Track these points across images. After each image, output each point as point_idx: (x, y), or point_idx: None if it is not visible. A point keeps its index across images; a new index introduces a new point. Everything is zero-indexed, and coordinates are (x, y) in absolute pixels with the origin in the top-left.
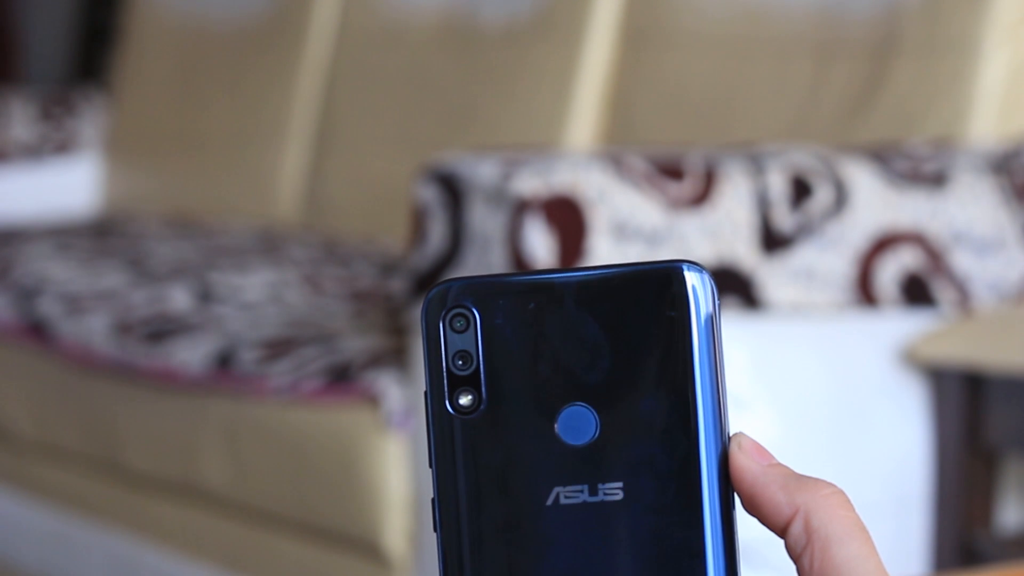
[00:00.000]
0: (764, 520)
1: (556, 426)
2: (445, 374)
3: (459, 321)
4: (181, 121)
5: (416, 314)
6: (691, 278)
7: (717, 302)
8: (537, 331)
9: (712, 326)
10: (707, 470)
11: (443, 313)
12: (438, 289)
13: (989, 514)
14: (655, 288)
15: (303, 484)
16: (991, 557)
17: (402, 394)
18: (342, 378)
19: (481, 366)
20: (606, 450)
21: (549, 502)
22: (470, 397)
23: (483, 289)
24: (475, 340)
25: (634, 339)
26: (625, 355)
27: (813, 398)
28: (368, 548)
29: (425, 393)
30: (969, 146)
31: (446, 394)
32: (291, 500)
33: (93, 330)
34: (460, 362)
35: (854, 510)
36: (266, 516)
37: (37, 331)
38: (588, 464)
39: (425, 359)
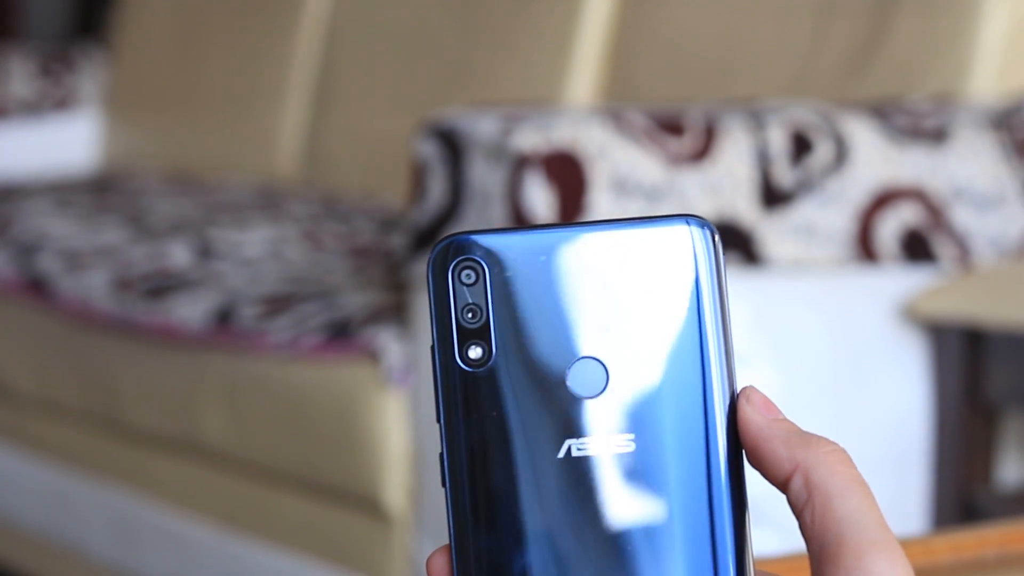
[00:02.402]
0: (766, 474)
1: (566, 379)
2: (454, 327)
3: (468, 274)
4: (181, 77)
5: (416, 270)
6: (697, 232)
7: (722, 257)
8: (546, 284)
9: (718, 280)
10: (714, 423)
11: (451, 266)
12: (444, 242)
13: (989, 470)
14: (663, 241)
15: (303, 440)
16: (991, 513)
17: (402, 350)
18: (342, 334)
19: (491, 319)
20: (617, 403)
21: (560, 455)
22: (479, 350)
23: (491, 242)
24: (484, 293)
25: (643, 292)
26: (634, 308)
27: (813, 354)
28: (368, 504)
29: (432, 347)
30: (970, 102)
31: (455, 348)
32: (291, 456)
33: (93, 286)
34: (469, 315)
35: (855, 467)
36: (266, 472)
37: (37, 287)
38: (599, 416)
39: (432, 312)
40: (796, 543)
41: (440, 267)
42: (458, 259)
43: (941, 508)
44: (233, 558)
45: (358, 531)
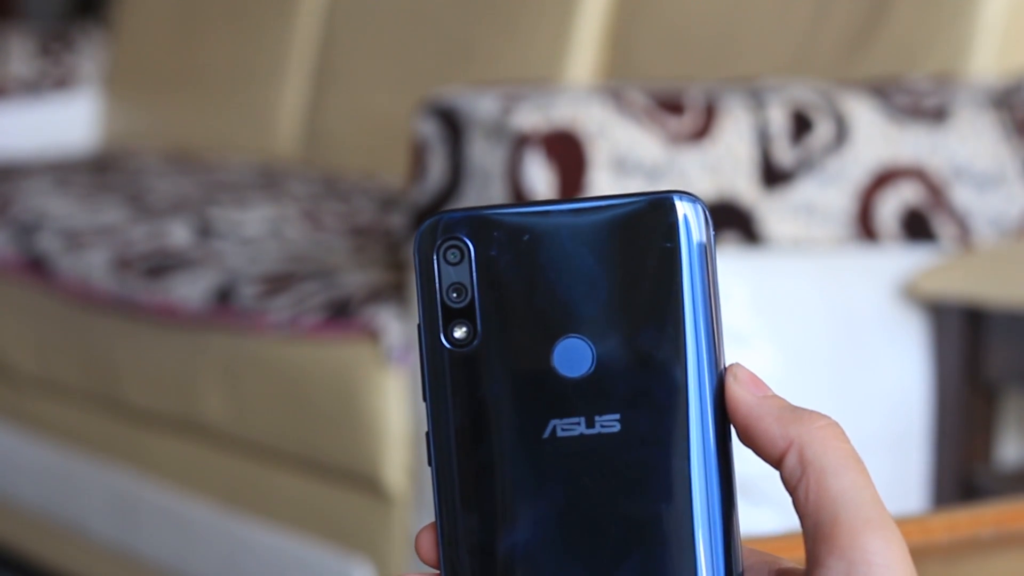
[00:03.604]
0: (759, 452)
1: (552, 358)
2: (439, 307)
3: (453, 253)
4: (181, 56)
5: None
6: (684, 207)
7: (712, 232)
8: (532, 263)
9: (706, 256)
10: (699, 401)
11: (437, 245)
12: (430, 221)
13: (989, 449)
14: (649, 218)
15: (303, 419)
16: (991, 492)
17: (402, 329)
18: (342, 313)
19: (476, 298)
20: (603, 382)
21: (546, 435)
22: (464, 330)
23: (476, 221)
24: (469, 272)
25: (629, 270)
26: (620, 286)
27: (813, 333)
28: (368, 483)
29: (418, 326)
30: (970, 81)
31: (440, 327)
32: (291, 435)
33: (93, 265)
34: (454, 295)
35: (849, 442)
36: (266, 451)
37: (36, 267)
38: (585, 396)
39: (418, 292)
40: (794, 521)
41: (426, 246)
42: (443, 238)
43: (941, 487)
44: (233, 537)
45: (358, 510)
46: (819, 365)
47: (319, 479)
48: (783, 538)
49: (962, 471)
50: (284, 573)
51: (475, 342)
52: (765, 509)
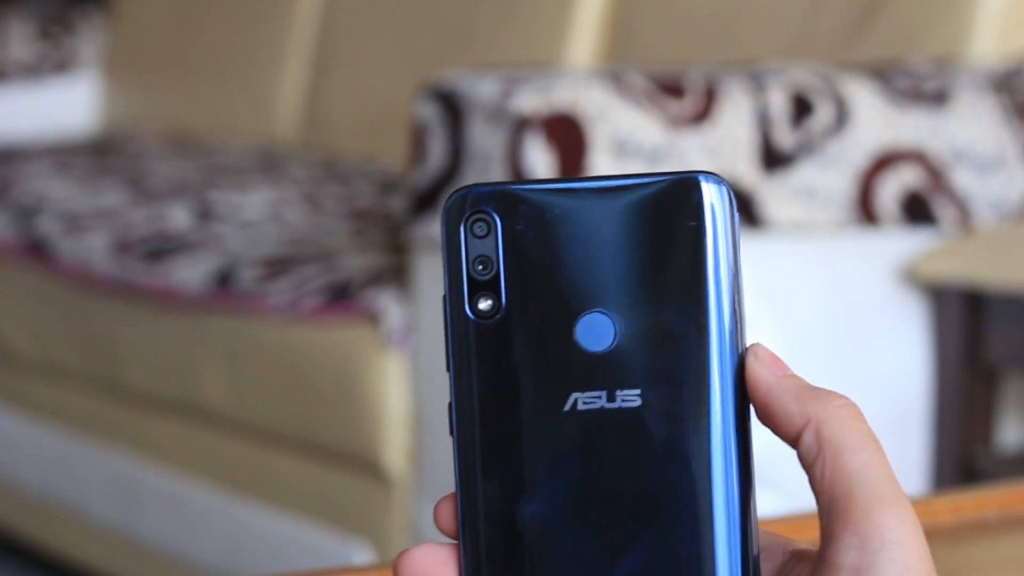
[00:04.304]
0: (776, 430)
1: (575, 332)
2: (465, 279)
3: (480, 226)
4: (181, 39)
5: (416, 232)
6: (709, 188)
7: (736, 214)
8: (557, 238)
9: (730, 237)
10: (721, 379)
11: (464, 218)
12: (458, 194)
13: (989, 432)
14: (674, 197)
15: (303, 402)
16: (991, 475)
17: (402, 312)
18: (342, 296)
19: (501, 271)
20: (624, 357)
21: (566, 407)
22: (489, 302)
23: (503, 195)
24: (495, 245)
25: (653, 248)
26: (644, 263)
27: (813, 316)
28: (368, 466)
29: (444, 297)
30: (970, 64)
31: (465, 299)
32: (291, 418)
33: (93, 249)
34: (480, 267)
35: (866, 421)
36: (266, 435)
37: (36, 250)
38: (606, 371)
39: (444, 264)
40: (797, 504)
41: (453, 219)
42: (471, 211)
43: (941, 470)
44: (233, 520)
45: (358, 493)
46: (819, 348)
47: (319, 462)
48: (787, 520)
49: (962, 454)
50: (284, 556)
51: (499, 314)
52: (769, 492)
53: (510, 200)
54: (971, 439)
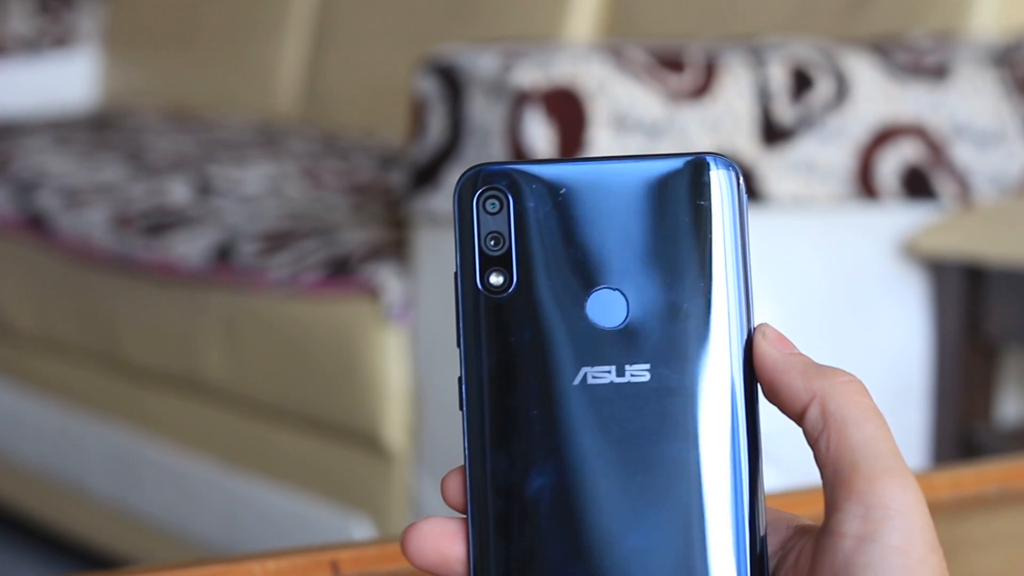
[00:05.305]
0: (782, 406)
1: (586, 308)
2: (477, 254)
3: (492, 203)
4: (180, 14)
5: (415, 206)
6: (718, 168)
7: (745, 196)
8: (568, 215)
9: (739, 217)
10: (729, 356)
11: (477, 194)
12: (471, 172)
13: (988, 407)
14: (684, 176)
15: (302, 377)
16: (990, 450)
17: (401, 287)
18: (341, 271)
19: (513, 247)
20: (635, 333)
21: (576, 382)
22: (501, 277)
23: (516, 173)
24: (508, 222)
25: (664, 226)
26: (655, 241)
27: (813, 291)
28: (368, 440)
29: (455, 273)
30: (971, 39)
31: (477, 273)
32: (290, 393)
33: (92, 223)
34: (492, 243)
35: (870, 396)
36: (265, 409)
37: (36, 225)
38: (616, 346)
39: (456, 239)
40: (798, 480)
41: (466, 195)
42: (484, 188)
43: (940, 445)
44: (233, 494)
45: (358, 467)
46: (819, 322)
47: (319, 436)
48: (788, 495)
49: (962, 429)
50: (284, 530)
51: (511, 289)
52: (771, 468)
53: (522, 178)
54: (971, 414)
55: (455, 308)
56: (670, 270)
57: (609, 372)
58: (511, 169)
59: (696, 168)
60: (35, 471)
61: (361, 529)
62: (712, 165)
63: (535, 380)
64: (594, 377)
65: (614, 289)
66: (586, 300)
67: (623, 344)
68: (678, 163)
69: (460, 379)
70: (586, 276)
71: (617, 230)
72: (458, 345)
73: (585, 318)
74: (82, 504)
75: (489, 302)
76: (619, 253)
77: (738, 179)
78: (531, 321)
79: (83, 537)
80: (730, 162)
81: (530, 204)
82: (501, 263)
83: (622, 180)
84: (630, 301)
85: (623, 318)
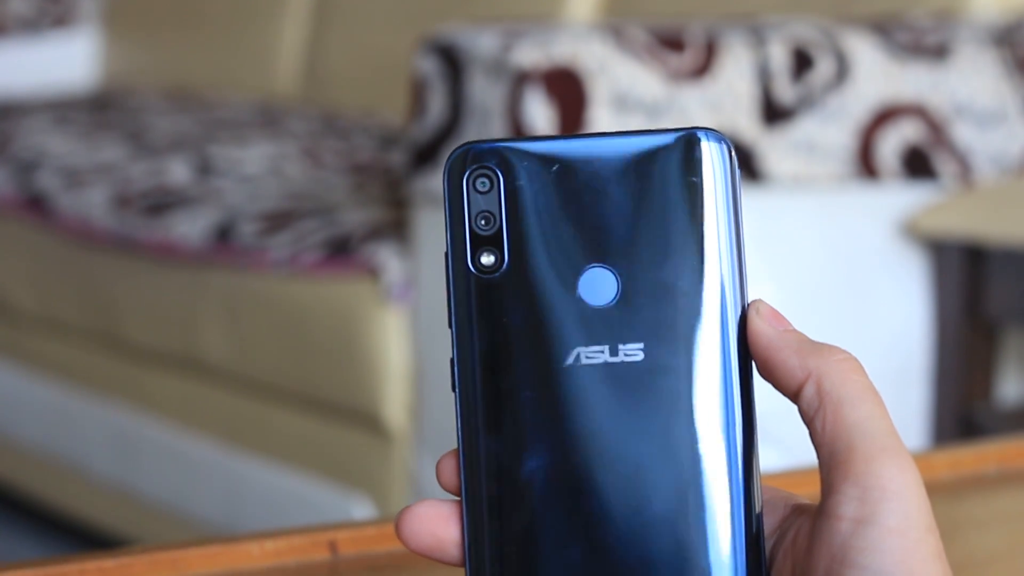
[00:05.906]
0: (777, 384)
1: (578, 287)
2: (467, 233)
3: (482, 182)
4: None
5: (416, 186)
6: (710, 144)
7: (737, 170)
8: (559, 193)
9: (731, 192)
10: (723, 334)
11: (466, 174)
12: (460, 150)
13: (989, 387)
14: (676, 153)
15: (303, 357)
16: (990, 429)
17: (402, 266)
18: (342, 250)
19: (504, 226)
20: (627, 312)
21: (569, 362)
22: (492, 257)
23: (506, 151)
24: (498, 201)
25: (655, 203)
26: (646, 218)
27: (813, 270)
28: (368, 420)
29: (445, 253)
30: (971, 18)
31: (468, 253)
32: (291, 373)
33: (92, 203)
34: (483, 222)
35: (866, 375)
36: (266, 389)
37: (36, 204)
38: (609, 325)
39: (447, 219)
40: (796, 459)
41: (456, 174)
42: (473, 167)
43: (941, 424)
44: (233, 474)
45: (358, 447)
46: (819, 302)
47: (319, 417)
48: (786, 475)
49: (962, 408)
50: (284, 510)
51: (502, 269)
52: (769, 447)
53: (512, 156)
54: (970, 393)
55: (446, 289)
56: (662, 247)
57: (602, 352)
58: (501, 147)
59: (688, 143)
60: (36, 451)
61: (361, 509)
62: (704, 140)
63: (528, 361)
64: (587, 357)
65: (607, 268)
66: (578, 279)
67: (616, 323)
68: (669, 138)
69: (452, 360)
70: (578, 254)
71: (609, 207)
72: (449, 326)
73: (578, 297)
74: (82, 484)
75: (480, 282)
76: (611, 231)
77: (730, 153)
78: (523, 301)
79: (84, 517)
80: (722, 136)
81: (520, 182)
82: (492, 243)
83: (613, 157)
84: (623, 280)
85: (616, 297)
